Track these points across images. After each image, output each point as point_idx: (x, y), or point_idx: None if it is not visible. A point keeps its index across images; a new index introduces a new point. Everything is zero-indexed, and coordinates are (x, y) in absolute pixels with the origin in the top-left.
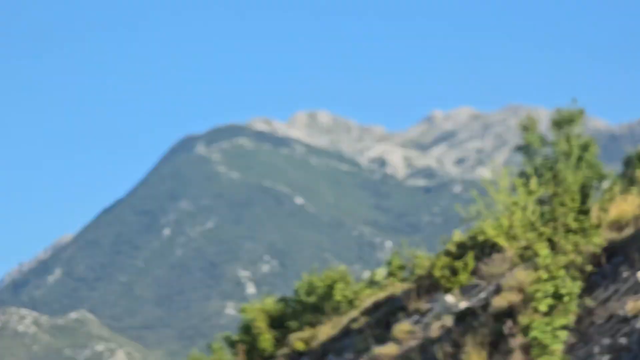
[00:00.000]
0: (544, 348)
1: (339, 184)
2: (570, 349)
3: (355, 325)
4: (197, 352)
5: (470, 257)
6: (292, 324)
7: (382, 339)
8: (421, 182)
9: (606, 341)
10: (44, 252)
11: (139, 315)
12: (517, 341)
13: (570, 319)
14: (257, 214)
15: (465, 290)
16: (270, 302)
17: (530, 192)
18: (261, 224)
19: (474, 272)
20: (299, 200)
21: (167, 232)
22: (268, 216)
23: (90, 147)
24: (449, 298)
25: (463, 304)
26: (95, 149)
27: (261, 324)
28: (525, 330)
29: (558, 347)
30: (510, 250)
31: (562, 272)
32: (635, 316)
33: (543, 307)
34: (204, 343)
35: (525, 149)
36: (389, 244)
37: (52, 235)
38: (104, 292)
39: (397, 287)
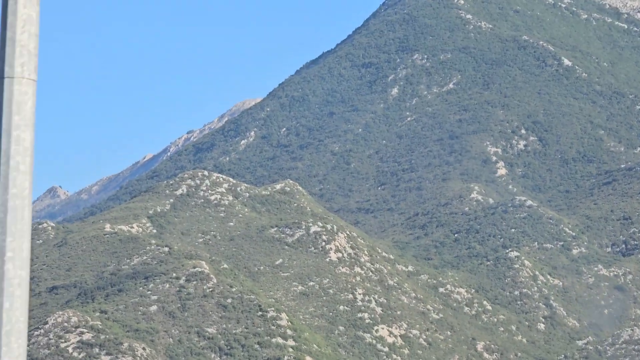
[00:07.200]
0: None
1: (616, 45)
2: None
3: None
4: None
5: None
6: None
7: None
8: None
9: None
10: (219, 117)
11: (355, 195)
12: None
13: None
14: (513, 76)
15: None
16: None
17: None
18: (517, 88)
19: None
20: (567, 61)
21: (395, 92)
22: (526, 79)
23: None
24: None
25: None
26: None
27: None
28: None
29: None
30: None
31: None
32: None
33: None
34: (441, 233)
35: None
36: None
37: (237, 96)
38: (311, 163)
39: None
